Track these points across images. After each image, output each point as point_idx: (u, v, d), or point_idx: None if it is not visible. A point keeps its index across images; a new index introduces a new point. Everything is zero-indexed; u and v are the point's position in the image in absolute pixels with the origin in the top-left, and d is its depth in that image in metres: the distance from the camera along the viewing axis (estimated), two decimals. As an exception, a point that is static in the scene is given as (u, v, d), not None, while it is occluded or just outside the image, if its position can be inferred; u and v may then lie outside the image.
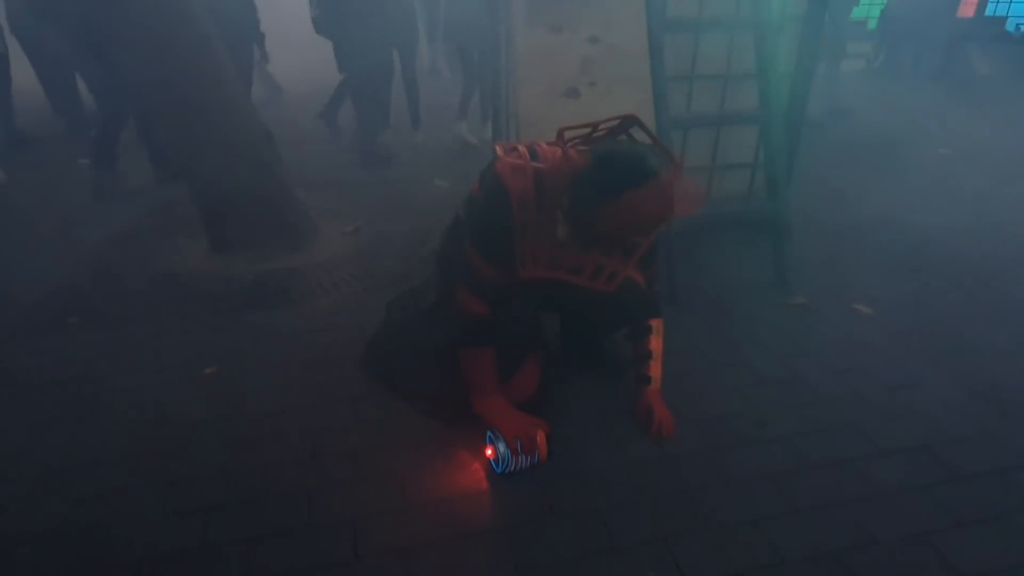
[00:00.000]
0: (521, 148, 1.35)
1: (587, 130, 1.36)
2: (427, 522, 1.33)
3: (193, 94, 2.40)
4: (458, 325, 1.50)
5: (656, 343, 1.65)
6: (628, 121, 1.32)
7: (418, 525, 1.32)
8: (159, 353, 1.94)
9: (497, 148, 1.38)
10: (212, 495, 1.39)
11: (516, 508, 1.37)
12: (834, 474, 1.45)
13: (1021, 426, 1.61)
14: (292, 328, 2.10)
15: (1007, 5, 8.33)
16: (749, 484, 1.42)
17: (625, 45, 2.20)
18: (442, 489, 1.42)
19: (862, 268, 2.48)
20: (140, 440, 1.56)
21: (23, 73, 4.58)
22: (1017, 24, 8.33)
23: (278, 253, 2.69)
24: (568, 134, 1.33)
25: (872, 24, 9.45)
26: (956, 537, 1.28)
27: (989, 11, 8.42)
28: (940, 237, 2.75)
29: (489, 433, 1.47)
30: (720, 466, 1.48)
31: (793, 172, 2.53)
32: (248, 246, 2.67)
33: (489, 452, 1.47)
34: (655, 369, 1.64)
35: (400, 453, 1.53)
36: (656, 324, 1.65)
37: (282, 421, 1.64)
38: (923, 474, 1.44)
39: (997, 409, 1.67)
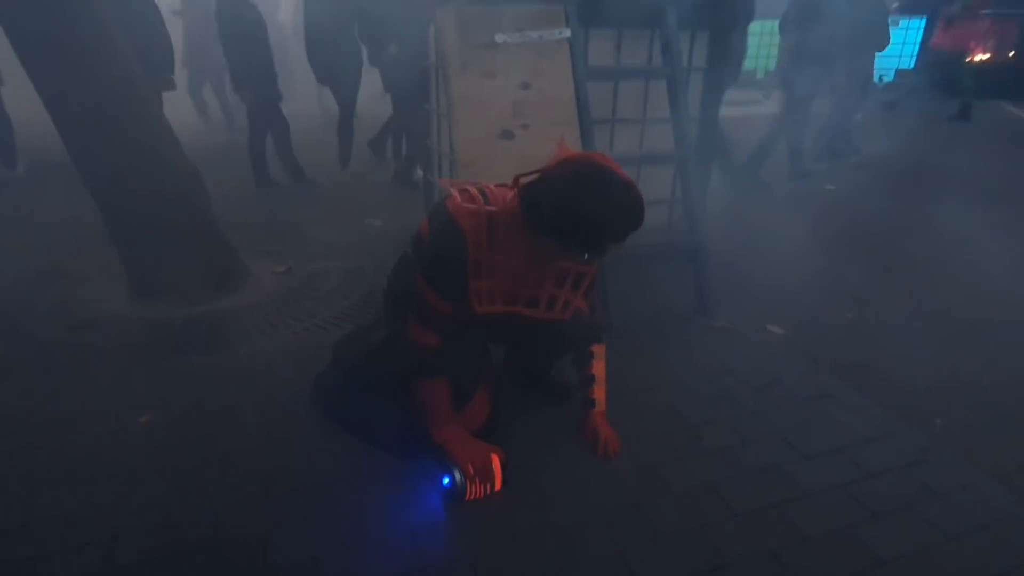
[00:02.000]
0: (472, 190, 1.43)
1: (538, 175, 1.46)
2: (389, 556, 1.33)
3: (113, 130, 2.32)
4: (410, 357, 1.53)
5: (599, 367, 1.74)
6: None
7: (380, 559, 1.32)
8: (85, 404, 1.83)
9: (451, 188, 1.45)
10: (160, 547, 1.33)
11: (476, 535, 1.40)
12: (766, 479, 1.58)
13: (917, 427, 1.82)
14: (230, 371, 2.04)
15: (872, 59, 9.49)
16: (691, 494, 1.53)
17: (554, 91, 2.35)
18: (401, 522, 1.42)
19: (773, 292, 2.73)
20: (73, 494, 1.47)
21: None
22: (880, 75, 9.51)
23: (206, 295, 2.60)
24: (523, 180, 1.40)
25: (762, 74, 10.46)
26: (873, 528, 1.43)
27: (858, 64, 9.53)
28: (836, 264, 3.07)
29: (446, 462, 1.50)
30: (664, 479, 1.57)
31: (706, 206, 2.76)
32: (172, 289, 2.57)
33: (446, 481, 1.49)
34: (599, 392, 1.73)
35: (356, 488, 1.52)
36: (598, 350, 1.75)
37: (228, 465, 1.59)
38: (841, 474, 1.60)
39: (896, 413, 1.88)
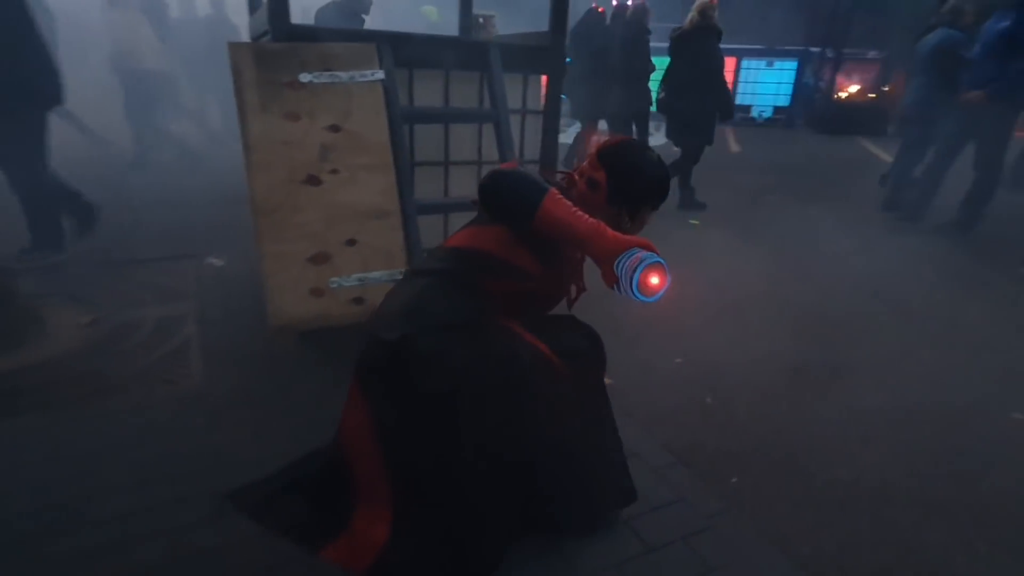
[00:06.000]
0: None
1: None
2: None
3: None
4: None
5: None
6: None
7: None
8: None
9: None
10: None
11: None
12: (542, 561, 1.47)
13: (713, 488, 1.78)
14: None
15: (751, 96, 10.25)
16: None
17: (368, 133, 2.22)
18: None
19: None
20: None
21: None
22: (760, 111, 10.24)
23: (-26, 356, 2.27)
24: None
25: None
26: (639, 614, 1.35)
27: (737, 101, 10.24)
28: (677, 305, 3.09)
29: (624, 261, 1.22)
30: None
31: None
32: (-69, 350, 2.22)
33: (655, 279, 1.22)
34: None
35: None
36: None
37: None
38: (621, 550, 1.52)
39: (696, 472, 1.84)
